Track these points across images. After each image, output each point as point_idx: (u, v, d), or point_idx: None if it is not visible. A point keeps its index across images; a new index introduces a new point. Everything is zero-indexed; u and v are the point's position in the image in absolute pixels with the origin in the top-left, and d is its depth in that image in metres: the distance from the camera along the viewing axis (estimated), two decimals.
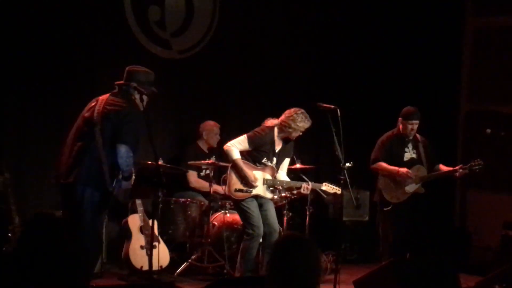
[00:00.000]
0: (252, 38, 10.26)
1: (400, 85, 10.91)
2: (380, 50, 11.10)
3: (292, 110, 8.05)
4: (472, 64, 11.40)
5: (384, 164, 8.68)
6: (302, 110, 8.04)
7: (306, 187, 8.17)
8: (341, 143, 7.41)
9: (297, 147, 8.56)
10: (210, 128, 9.43)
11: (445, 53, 11.20)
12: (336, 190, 8.11)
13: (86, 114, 6.77)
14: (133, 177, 6.83)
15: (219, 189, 8.80)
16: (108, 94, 6.86)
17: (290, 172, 8.64)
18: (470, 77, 11.42)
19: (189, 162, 8.91)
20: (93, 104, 6.82)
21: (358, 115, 10.40)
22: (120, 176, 6.62)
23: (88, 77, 8.78)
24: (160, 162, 7.86)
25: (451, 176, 8.83)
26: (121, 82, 6.90)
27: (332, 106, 7.55)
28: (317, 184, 8.28)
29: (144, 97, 6.74)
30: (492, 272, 7.33)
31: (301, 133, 8.13)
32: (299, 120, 7.99)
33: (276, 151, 8.15)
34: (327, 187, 8.25)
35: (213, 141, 9.41)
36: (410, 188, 8.64)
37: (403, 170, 8.57)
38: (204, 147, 9.45)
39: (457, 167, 8.69)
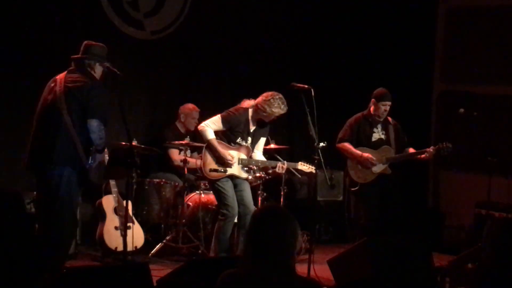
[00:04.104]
0: (227, 18, 10.20)
1: (374, 65, 10.92)
2: (354, 31, 11.07)
3: (270, 94, 7.98)
4: (446, 44, 11.44)
5: (348, 146, 8.62)
6: (280, 96, 7.98)
7: (281, 166, 8.15)
8: (315, 123, 7.43)
9: (272, 128, 8.54)
10: (189, 111, 9.35)
11: (419, 33, 11.22)
12: (312, 169, 8.08)
13: (49, 97, 6.69)
14: (107, 156, 6.82)
15: (195, 162, 8.73)
16: (65, 72, 6.78)
17: (265, 153, 8.63)
18: (443, 57, 11.46)
19: (165, 144, 8.87)
20: (52, 85, 6.74)
21: (332, 95, 10.41)
22: (93, 150, 6.59)
23: (60, 59, 8.60)
24: (134, 143, 7.83)
25: (417, 158, 8.80)
26: (77, 56, 6.85)
27: (306, 86, 7.56)
28: (292, 164, 8.27)
29: (98, 66, 6.76)
30: (465, 251, 7.39)
31: (275, 118, 8.12)
32: (275, 106, 7.94)
33: (251, 131, 8.13)
34: (302, 166, 8.22)
35: (190, 124, 9.32)
36: (377, 168, 8.62)
37: (366, 155, 8.54)
38: (182, 129, 9.40)
39: (425, 150, 8.68)
